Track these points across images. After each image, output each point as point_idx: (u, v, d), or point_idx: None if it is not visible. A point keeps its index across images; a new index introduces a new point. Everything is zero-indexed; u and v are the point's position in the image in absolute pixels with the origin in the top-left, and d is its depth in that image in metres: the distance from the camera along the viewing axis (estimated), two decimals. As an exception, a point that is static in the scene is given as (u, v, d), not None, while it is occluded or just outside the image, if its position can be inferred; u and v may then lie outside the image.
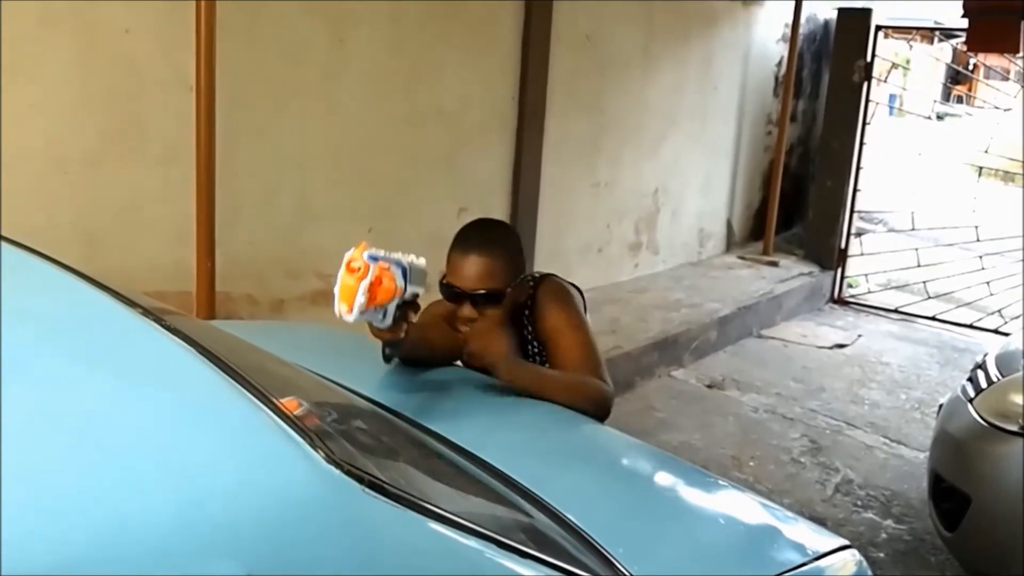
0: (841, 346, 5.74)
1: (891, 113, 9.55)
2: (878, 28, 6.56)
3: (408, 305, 1.71)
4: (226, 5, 2.98)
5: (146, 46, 3.26)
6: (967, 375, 3.11)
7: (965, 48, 6.41)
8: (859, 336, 5.99)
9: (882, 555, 3.23)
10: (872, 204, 7.66)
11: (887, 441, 4.26)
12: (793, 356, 5.46)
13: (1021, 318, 5.45)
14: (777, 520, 1.71)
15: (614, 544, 1.31)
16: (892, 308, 6.58)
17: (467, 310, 1.95)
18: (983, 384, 2.89)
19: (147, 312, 1.20)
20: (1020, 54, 5.77)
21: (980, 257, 6.43)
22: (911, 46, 8.56)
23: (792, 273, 6.58)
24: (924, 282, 6.59)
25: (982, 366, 3.03)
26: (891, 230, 7.99)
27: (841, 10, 6.77)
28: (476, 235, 2.00)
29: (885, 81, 7.55)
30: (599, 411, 1.99)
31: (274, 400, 1.03)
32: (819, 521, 3.03)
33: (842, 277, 6.88)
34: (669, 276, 6.21)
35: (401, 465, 1.33)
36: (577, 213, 5.48)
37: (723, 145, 6.86)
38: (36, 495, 0.74)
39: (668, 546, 1.47)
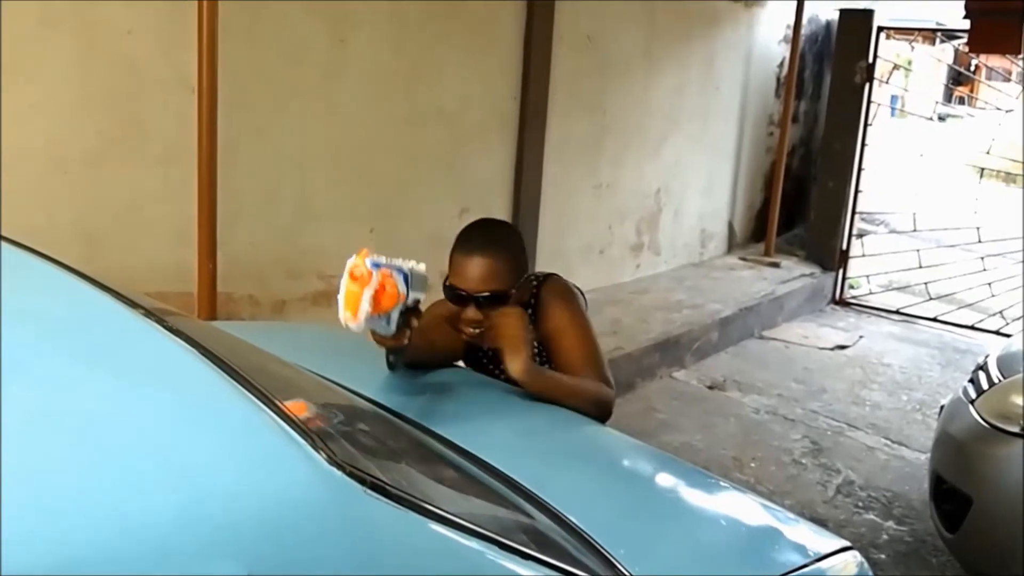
0: (842, 347, 5.74)
1: (893, 114, 9.55)
2: (880, 29, 6.56)
3: (410, 311, 1.70)
4: (227, 5, 2.98)
5: (146, 46, 3.26)
6: (968, 376, 3.10)
7: (967, 49, 6.40)
8: (860, 337, 5.98)
9: (883, 556, 3.23)
10: (874, 205, 7.65)
11: (888, 442, 4.26)
12: (794, 357, 5.45)
13: (1022, 319, 5.44)
14: (778, 521, 1.71)
15: (615, 545, 1.31)
16: (893, 309, 6.57)
17: (472, 312, 1.94)
18: (984, 385, 2.89)
19: (148, 313, 1.20)
20: (1022, 55, 5.77)
21: (982, 258, 6.42)
22: (913, 47, 8.56)
23: (793, 274, 6.57)
24: (925, 283, 6.59)
25: (983, 367, 3.02)
26: (893, 231, 7.98)
27: (843, 11, 6.76)
28: (479, 236, 1.99)
29: (887, 82, 7.55)
30: (601, 413, 1.99)
31: (276, 401, 1.03)
32: (820, 522, 3.03)
33: (843, 278, 6.88)
34: (670, 277, 6.21)
35: (402, 466, 1.32)
36: (579, 214, 5.48)
37: (725, 146, 6.86)
38: (36, 495, 0.74)
39: (669, 547, 1.47)
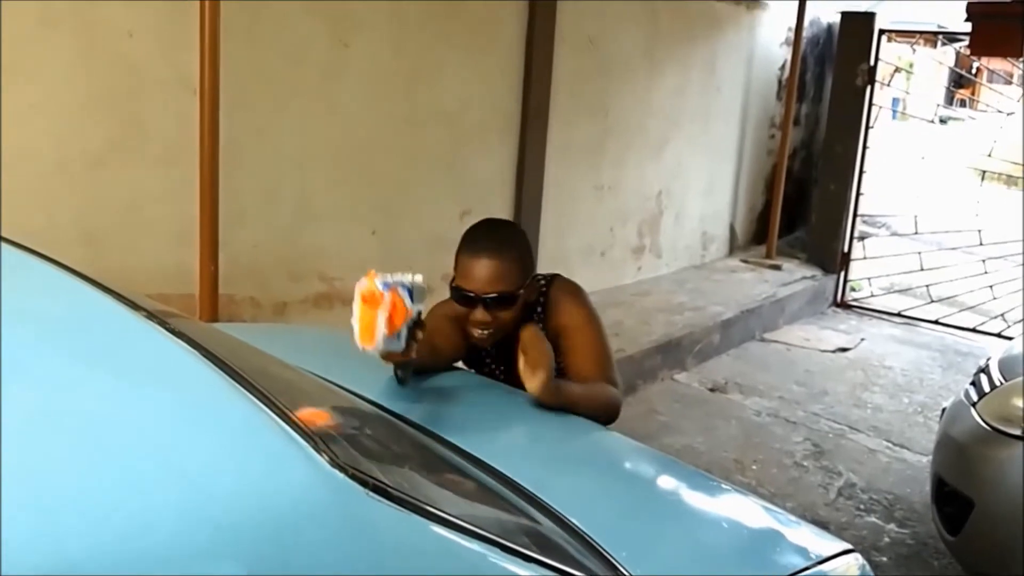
0: (844, 350, 5.73)
1: (894, 117, 9.53)
2: (881, 32, 6.56)
3: (416, 324, 1.69)
4: (227, 6, 2.98)
5: (147, 47, 3.26)
6: (970, 379, 3.10)
7: (968, 52, 6.39)
8: (862, 340, 5.98)
9: (885, 559, 3.23)
10: (875, 208, 7.65)
11: (890, 445, 4.25)
12: (796, 360, 5.45)
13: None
14: (780, 524, 1.70)
15: (617, 547, 1.31)
16: (895, 312, 6.57)
17: (480, 313, 1.92)
18: (986, 388, 2.89)
19: (150, 314, 1.20)
20: (1023, 58, 5.77)
21: (983, 261, 6.42)
22: (914, 50, 8.57)
23: (795, 277, 6.57)
24: (927, 286, 6.59)
25: (985, 370, 3.02)
26: (894, 234, 7.98)
27: (844, 14, 6.76)
28: (485, 237, 1.97)
29: (888, 85, 7.55)
30: (611, 418, 1.99)
31: (278, 403, 1.02)
32: (822, 525, 3.02)
33: (845, 281, 6.88)
34: (672, 279, 6.21)
35: (404, 469, 1.32)
36: (580, 216, 5.48)
37: (726, 148, 6.85)
38: (36, 495, 0.74)
39: (671, 549, 1.47)
